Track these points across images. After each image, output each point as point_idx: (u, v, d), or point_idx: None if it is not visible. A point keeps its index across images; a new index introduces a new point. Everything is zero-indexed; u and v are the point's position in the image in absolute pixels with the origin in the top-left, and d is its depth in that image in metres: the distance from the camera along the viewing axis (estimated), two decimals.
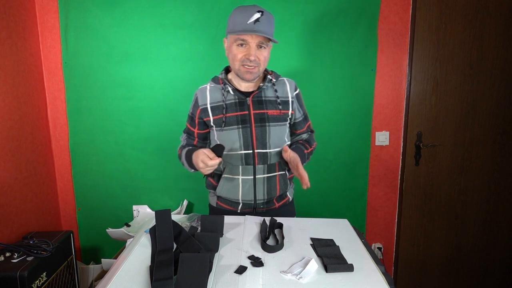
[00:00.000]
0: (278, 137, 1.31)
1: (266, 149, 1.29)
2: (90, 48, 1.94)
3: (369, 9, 1.91)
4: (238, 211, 1.36)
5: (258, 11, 1.15)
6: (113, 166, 2.06)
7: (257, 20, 1.14)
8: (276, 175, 1.33)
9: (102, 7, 1.90)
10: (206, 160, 1.15)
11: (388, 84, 2.01)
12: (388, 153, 2.08)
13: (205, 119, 1.32)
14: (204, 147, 1.40)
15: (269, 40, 1.20)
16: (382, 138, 2.05)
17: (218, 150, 1.20)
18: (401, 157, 2.08)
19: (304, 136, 1.45)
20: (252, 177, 1.30)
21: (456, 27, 1.89)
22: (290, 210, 1.44)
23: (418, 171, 2.05)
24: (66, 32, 1.93)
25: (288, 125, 1.37)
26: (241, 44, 1.19)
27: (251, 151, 1.28)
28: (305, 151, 1.36)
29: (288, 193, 1.41)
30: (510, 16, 1.87)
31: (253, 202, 1.33)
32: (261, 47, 1.20)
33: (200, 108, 1.31)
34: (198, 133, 1.37)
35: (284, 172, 1.36)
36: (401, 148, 2.07)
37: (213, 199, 1.43)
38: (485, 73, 1.93)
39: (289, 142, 1.40)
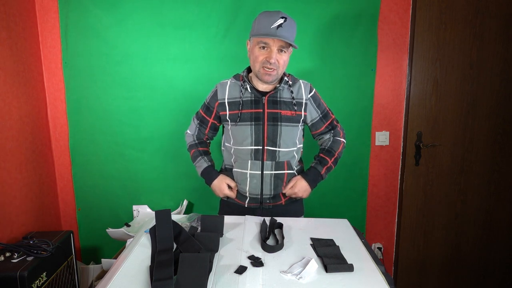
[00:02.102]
0: (289, 138, 1.36)
1: (276, 147, 1.34)
2: (90, 48, 1.94)
3: (369, 9, 1.91)
4: (246, 205, 1.41)
5: (282, 17, 1.21)
6: (113, 166, 2.06)
7: (280, 25, 1.20)
8: (284, 173, 1.37)
9: (102, 7, 1.90)
10: (230, 194, 1.40)
11: (388, 84, 2.01)
12: (388, 153, 2.08)
13: (221, 113, 1.39)
14: (214, 136, 1.52)
15: (290, 45, 1.26)
16: (382, 138, 2.05)
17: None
18: (401, 157, 2.08)
19: (327, 138, 1.47)
20: (260, 172, 1.35)
21: (456, 27, 1.89)
22: (297, 208, 1.46)
23: (418, 171, 2.05)
24: (66, 32, 1.93)
25: (300, 127, 1.41)
26: (263, 47, 1.25)
27: (260, 147, 1.33)
28: (325, 168, 1.41)
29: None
30: (510, 16, 1.87)
31: (259, 196, 1.38)
32: (281, 51, 1.26)
33: (219, 101, 1.38)
34: (213, 123, 1.45)
35: (292, 172, 1.40)
36: (401, 148, 2.07)
37: None
38: (485, 73, 1.93)
39: (300, 145, 1.44)
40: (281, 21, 1.20)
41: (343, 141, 1.48)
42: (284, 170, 1.36)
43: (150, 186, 2.09)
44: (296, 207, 1.46)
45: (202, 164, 1.44)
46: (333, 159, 1.44)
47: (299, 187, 1.37)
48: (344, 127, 2.01)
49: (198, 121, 1.47)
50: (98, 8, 1.90)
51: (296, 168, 1.42)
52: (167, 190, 2.10)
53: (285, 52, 1.27)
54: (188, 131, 1.53)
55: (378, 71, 1.99)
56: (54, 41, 1.96)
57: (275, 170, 1.35)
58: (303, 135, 1.46)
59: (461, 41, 1.90)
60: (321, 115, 1.43)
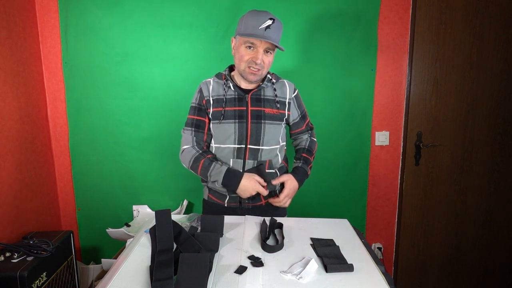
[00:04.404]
0: (273, 136, 1.36)
1: (259, 146, 1.34)
2: (90, 48, 1.94)
3: (369, 9, 1.91)
4: (225, 204, 1.40)
5: (270, 19, 1.21)
6: (113, 166, 2.06)
7: (268, 27, 1.20)
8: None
9: (102, 7, 1.90)
10: (262, 191, 1.27)
11: (388, 84, 2.01)
12: (388, 153, 2.08)
13: (207, 110, 1.36)
14: (210, 143, 1.40)
15: (276, 46, 1.26)
16: (382, 138, 2.05)
17: (262, 172, 1.31)
18: (401, 157, 2.08)
19: (305, 138, 1.50)
20: (241, 171, 1.34)
21: (456, 27, 1.89)
22: (279, 209, 1.43)
23: (418, 171, 2.05)
24: (66, 32, 1.93)
25: (283, 125, 1.42)
26: (250, 47, 1.24)
27: (243, 146, 1.33)
28: (309, 168, 1.43)
29: (277, 192, 1.42)
30: (510, 16, 1.87)
31: (238, 196, 1.35)
32: (267, 52, 1.26)
33: (205, 99, 1.36)
34: (209, 124, 1.38)
35: (274, 171, 1.39)
36: (401, 148, 2.07)
37: (206, 192, 1.48)
38: (485, 73, 1.93)
39: (283, 143, 1.44)
40: (269, 22, 1.20)
41: (316, 142, 1.55)
42: (265, 169, 1.36)
43: (150, 186, 2.09)
44: (277, 208, 1.42)
45: (221, 168, 1.28)
46: (312, 158, 1.48)
47: (292, 186, 1.35)
48: (344, 127, 2.03)
49: (193, 128, 1.36)
50: (98, 8, 1.90)
51: (277, 167, 1.40)
52: (167, 190, 2.10)
53: (270, 53, 1.28)
54: (185, 147, 1.37)
55: (378, 71, 1.99)
56: (54, 41, 1.95)
57: None
58: (285, 134, 1.48)
59: (461, 41, 1.90)
60: (300, 115, 1.45)
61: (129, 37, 1.92)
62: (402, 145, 2.06)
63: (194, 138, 1.36)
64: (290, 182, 1.35)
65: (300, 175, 1.40)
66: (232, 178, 1.28)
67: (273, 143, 1.37)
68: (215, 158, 1.35)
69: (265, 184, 1.29)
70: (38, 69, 1.95)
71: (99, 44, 1.93)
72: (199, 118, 1.37)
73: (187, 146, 1.36)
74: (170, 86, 1.98)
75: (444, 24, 1.90)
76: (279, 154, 1.41)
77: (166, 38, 1.93)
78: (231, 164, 1.34)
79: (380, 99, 2.02)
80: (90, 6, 1.89)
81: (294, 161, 1.47)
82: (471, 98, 1.96)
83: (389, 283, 0.87)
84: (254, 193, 1.28)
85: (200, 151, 1.34)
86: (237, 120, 1.32)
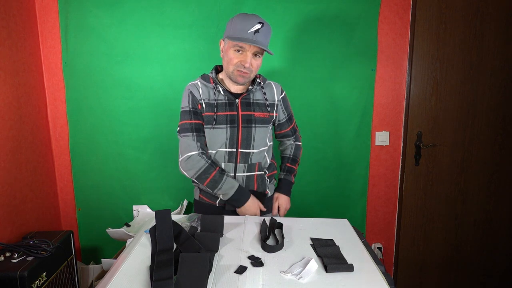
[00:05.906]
0: (261, 138, 1.38)
1: (249, 149, 1.35)
2: (90, 48, 1.94)
3: (369, 9, 1.91)
4: (217, 204, 1.41)
5: (259, 22, 1.21)
6: (113, 166, 2.06)
7: (257, 31, 1.20)
8: (254, 174, 1.39)
9: (102, 7, 1.90)
10: (258, 214, 1.36)
11: (388, 84, 2.01)
12: (388, 153, 2.08)
13: (202, 114, 1.36)
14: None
15: (264, 50, 1.25)
16: (382, 138, 2.05)
17: (262, 199, 1.42)
18: (401, 157, 2.08)
19: (289, 144, 1.55)
20: (233, 174, 1.36)
21: (456, 27, 1.89)
22: (266, 205, 1.45)
23: (418, 171, 2.05)
24: (66, 32, 1.92)
25: (270, 126, 1.45)
26: (238, 50, 1.24)
27: (234, 150, 1.34)
28: (292, 176, 1.53)
29: (267, 189, 1.46)
30: (510, 16, 1.87)
31: None
32: (256, 55, 1.26)
33: (199, 103, 1.34)
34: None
35: (262, 172, 1.42)
36: (401, 148, 2.07)
37: (197, 192, 1.49)
38: (485, 73, 1.93)
39: (271, 143, 1.46)
40: (258, 26, 1.20)
41: (301, 146, 1.59)
42: (255, 171, 1.38)
43: (150, 186, 2.09)
44: (265, 205, 1.44)
45: (233, 183, 1.30)
46: (297, 165, 1.55)
47: (284, 201, 1.48)
48: (344, 127, 2.03)
49: (194, 133, 1.31)
50: (98, 8, 1.90)
51: (266, 167, 1.43)
52: (167, 190, 2.10)
53: (259, 56, 1.27)
54: (190, 154, 1.29)
55: (378, 71, 1.99)
56: (54, 41, 1.95)
57: (247, 172, 1.37)
58: (271, 134, 1.50)
59: (461, 41, 1.90)
60: (287, 117, 1.47)
61: (129, 37, 1.92)
62: (402, 145, 2.06)
63: (198, 143, 1.31)
64: (282, 200, 1.48)
65: (285, 188, 1.50)
66: (241, 196, 1.33)
67: (262, 145, 1.39)
68: (223, 170, 1.35)
69: (264, 209, 1.40)
70: (38, 69, 1.95)
71: (99, 44, 1.93)
72: (197, 122, 1.32)
73: (193, 152, 1.29)
74: (170, 86, 1.97)
75: (444, 24, 1.90)
76: (267, 155, 1.43)
77: (166, 38, 1.93)
78: (222, 167, 1.36)
79: (380, 99, 2.02)
80: (90, 6, 1.89)
81: (280, 171, 1.54)
82: (471, 98, 1.96)
83: (389, 283, 0.87)
84: (252, 215, 1.34)
85: (209, 161, 1.30)
86: (229, 125, 1.32)
